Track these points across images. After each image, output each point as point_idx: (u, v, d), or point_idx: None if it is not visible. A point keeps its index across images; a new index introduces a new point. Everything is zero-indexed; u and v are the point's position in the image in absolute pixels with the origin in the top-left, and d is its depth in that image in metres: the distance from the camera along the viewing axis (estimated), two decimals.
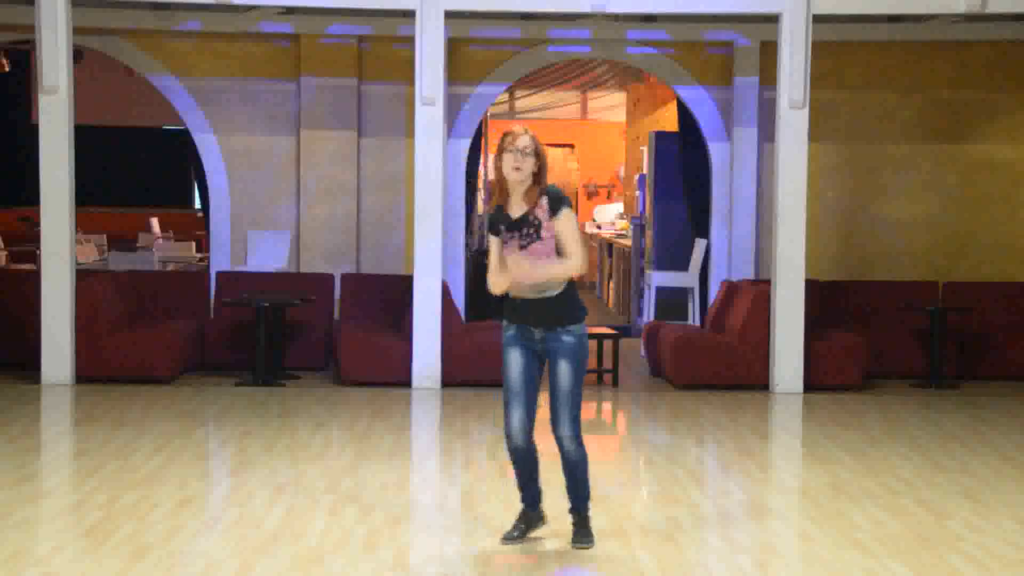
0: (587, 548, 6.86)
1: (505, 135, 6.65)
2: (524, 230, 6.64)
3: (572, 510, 6.95)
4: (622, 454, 10.28)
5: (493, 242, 6.78)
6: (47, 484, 8.41)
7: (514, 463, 6.89)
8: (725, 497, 8.42)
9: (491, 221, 6.77)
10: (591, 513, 6.98)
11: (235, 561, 6.61)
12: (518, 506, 7.04)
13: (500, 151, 6.64)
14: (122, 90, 21.63)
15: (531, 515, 7.00)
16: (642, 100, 21.04)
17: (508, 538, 6.95)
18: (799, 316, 12.39)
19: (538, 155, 6.62)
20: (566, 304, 6.76)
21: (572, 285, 6.83)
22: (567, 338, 6.75)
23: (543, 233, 6.64)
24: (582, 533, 6.92)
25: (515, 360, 6.77)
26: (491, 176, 6.80)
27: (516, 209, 6.67)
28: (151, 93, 15.60)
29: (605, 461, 9.83)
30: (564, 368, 6.75)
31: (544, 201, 6.65)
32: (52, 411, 11.21)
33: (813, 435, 10.69)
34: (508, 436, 6.81)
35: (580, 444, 6.85)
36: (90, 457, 9.07)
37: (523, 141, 6.59)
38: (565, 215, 6.64)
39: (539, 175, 6.63)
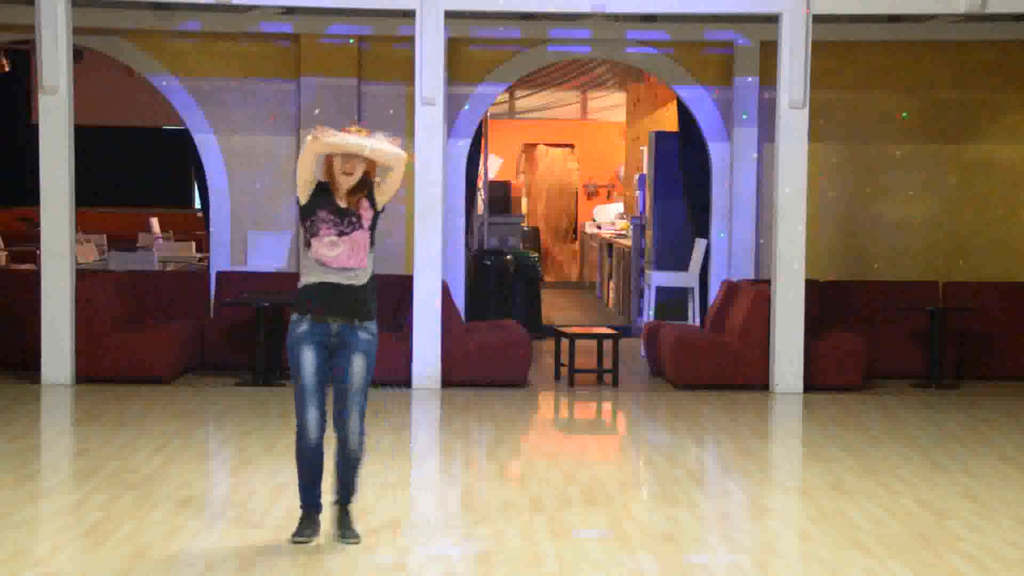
0: (358, 543, 6.90)
1: (342, 132, 6.79)
2: (347, 219, 6.80)
3: (341, 503, 7.00)
4: (622, 454, 10.28)
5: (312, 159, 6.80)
6: (47, 484, 8.41)
7: (306, 462, 6.91)
8: (725, 497, 8.42)
9: (320, 187, 6.83)
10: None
11: (235, 561, 6.61)
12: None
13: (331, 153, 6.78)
14: (122, 90, 21.60)
15: (317, 517, 7.01)
16: (642, 100, 21.04)
17: (300, 539, 6.93)
18: (799, 316, 12.39)
19: (370, 163, 6.81)
20: (368, 295, 6.88)
21: (373, 276, 6.95)
22: (363, 335, 6.88)
23: (364, 223, 6.84)
24: (351, 528, 6.98)
25: (309, 359, 6.83)
26: (300, 164, 6.87)
27: (342, 200, 6.82)
28: (151, 93, 15.59)
29: (605, 461, 9.83)
30: (359, 364, 6.86)
31: (366, 202, 6.87)
32: (52, 411, 11.21)
33: (813, 435, 10.69)
34: (303, 435, 6.86)
35: (363, 440, 6.98)
36: (90, 457, 9.07)
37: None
38: (384, 186, 6.90)
39: (367, 176, 6.82)
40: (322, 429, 6.90)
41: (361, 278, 6.87)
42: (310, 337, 6.84)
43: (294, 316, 6.89)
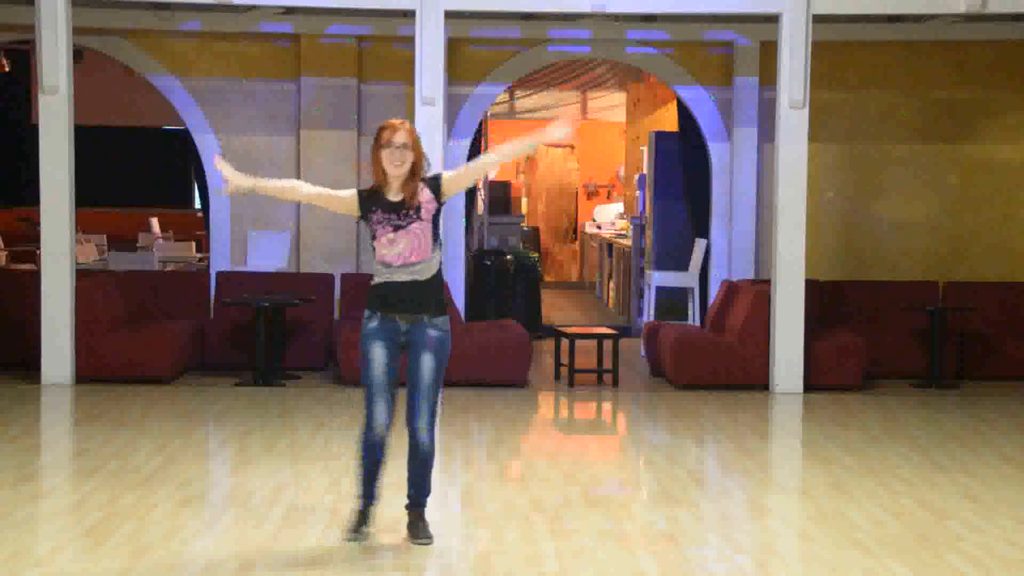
0: (430, 544, 6.88)
1: (383, 129, 6.77)
2: (403, 211, 6.73)
3: (415, 506, 6.99)
4: (622, 454, 10.28)
5: (347, 193, 6.86)
6: (47, 484, 8.41)
7: (369, 455, 6.86)
8: (725, 497, 8.42)
9: (366, 197, 6.80)
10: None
11: (235, 561, 6.61)
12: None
13: (378, 144, 6.75)
14: (122, 90, 21.61)
15: (372, 511, 7.00)
16: (642, 100, 21.04)
17: (355, 535, 6.93)
18: (799, 316, 12.39)
19: (416, 146, 6.76)
20: (436, 291, 6.81)
21: (440, 271, 6.89)
22: (432, 331, 6.80)
23: (423, 214, 6.75)
24: (425, 529, 6.96)
25: (378, 355, 6.77)
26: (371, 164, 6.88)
27: (394, 195, 6.77)
28: (151, 93, 15.59)
29: (605, 461, 9.83)
30: (428, 361, 6.79)
31: (426, 190, 6.78)
32: (52, 411, 11.21)
33: (813, 435, 10.69)
34: (370, 428, 6.80)
35: (434, 437, 6.93)
36: (90, 457, 9.07)
37: (400, 137, 6.73)
38: (447, 176, 6.84)
39: (416, 167, 6.76)
40: (389, 424, 6.82)
41: (425, 272, 6.76)
42: (379, 333, 6.78)
43: (366, 312, 6.85)
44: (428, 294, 6.77)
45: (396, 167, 6.72)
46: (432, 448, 6.93)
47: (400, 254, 6.73)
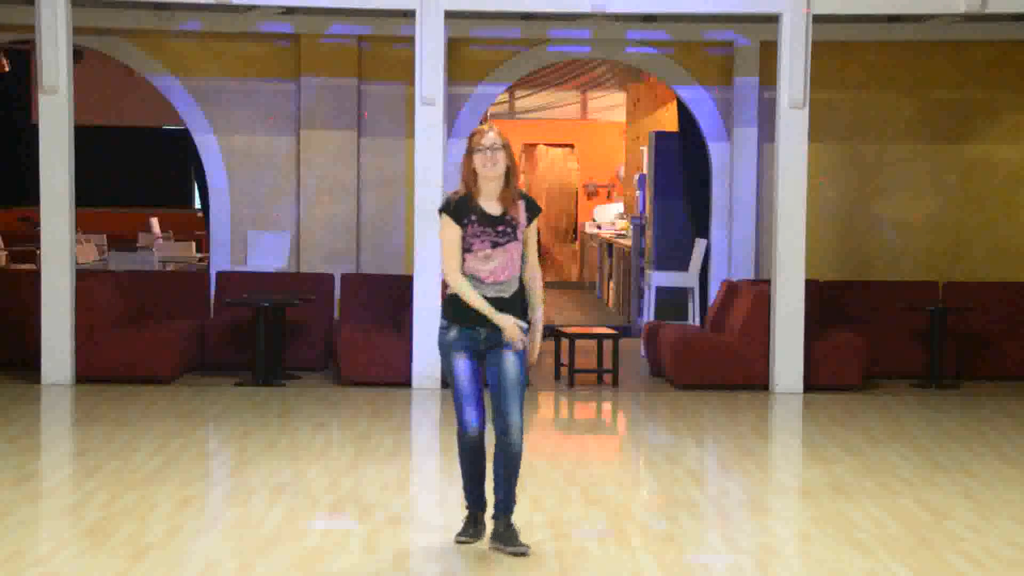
0: (526, 554, 6.72)
1: (473, 134, 6.66)
2: (502, 228, 6.63)
3: (504, 512, 6.78)
4: (622, 454, 10.28)
5: (450, 227, 6.65)
6: (47, 484, 8.41)
7: (468, 460, 6.79)
8: (725, 497, 8.42)
9: (457, 206, 6.65)
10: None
11: (235, 561, 6.62)
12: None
13: (470, 151, 6.62)
14: (122, 90, 21.63)
15: (480, 518, 6.92)
16: (642, 100, 21.04)
17: (464, 538, 6.87)
18: (799, 316, 12.39)
19: (507, 149, 6.65)
20: (517, 304, 6.74)
21: (522, 285, 6.80)
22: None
23: (519, 234, 6.66)
24: (516, 537, 6.77)
25: (462, 364, 6.72)
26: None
27: (491, 206, 6.64)
28: (151, 93, 15.60)
29: (605, 461, 9.83)
30: (512, 359, 6.71)
31: (521, 204, 6.69)
32: (52, 411, 11.21)
33: (813, 435, 10.69)
34: (465, 432, 6.72)
35: (522, 439, 6.78)
36: (90, 457, 9.07)
37: (490, 138, 6.60)
38: (535, 225, 6.79)
39: (511, 171, 6.66)
40: (483, 426, 6.75)
41: (509, 289, 6.69)
42: (460, 343, 6.71)
43: (443, 321, 6.77)
44: (510, 309, 6.68)
45: (490, 168, 6.56)
46: (521, 450, 6.76)
47: (492, 271, 6.63)
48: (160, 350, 12.28)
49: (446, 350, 6.76)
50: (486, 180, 6.63)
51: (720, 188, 15.26)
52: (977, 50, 15.20)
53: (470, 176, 6.64)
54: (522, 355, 6.76)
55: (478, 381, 6.76)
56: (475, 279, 6.65)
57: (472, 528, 6.92)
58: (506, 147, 6.66)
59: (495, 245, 6.62)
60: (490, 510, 6.92)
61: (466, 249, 6.64)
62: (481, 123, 15.53)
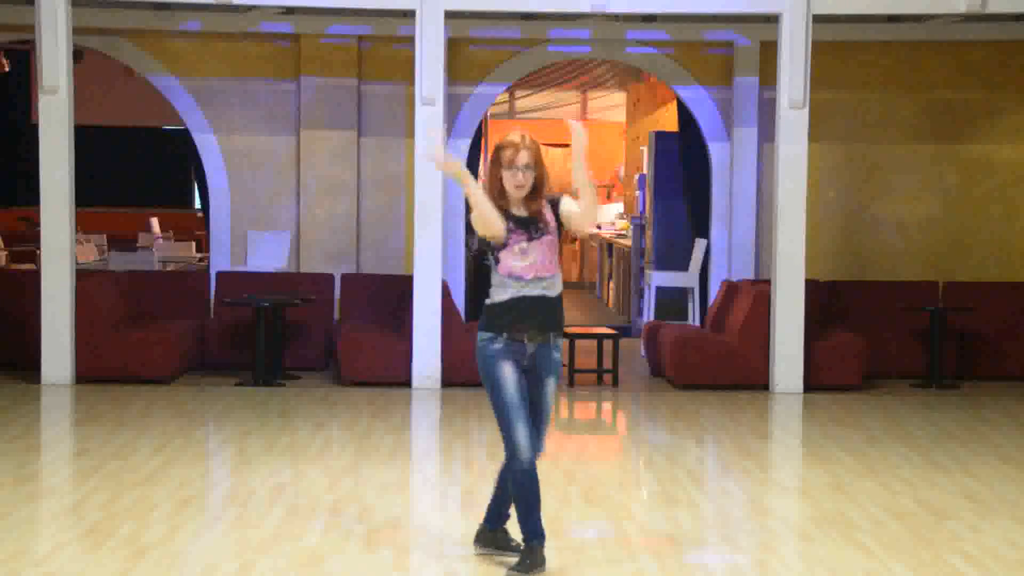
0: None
1: (504, 148, 6.39)
2: (532, 226, 6.43)
3: (536, 540, 6.44)
4: (622, 454, 10.28)
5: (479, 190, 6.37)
6: (47, 484, 8.42)
7: (524, 486, 6.36)
8: (725, 497, 8.42)
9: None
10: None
11: (235, 561, 6.61)
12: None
13: (498, 164, 6.41)
14: (122, 90, 21.62)
15: (543, 551, 6.49)
16: (642, 100, 21.04)
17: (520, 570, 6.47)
18: (799, 316, 12.39)
19: (538, 165, 6.43)
20: (561, 309, 6.52)
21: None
22: (556, 354, 6.49)
23: (550, 228, 6.47)
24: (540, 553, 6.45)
25: (510, 374, 6.36)
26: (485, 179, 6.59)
27: (518, 210, 6.48)
28: (151, 93, 15.59)
29: (605, 461, 9.83)
30: (551, 386, 6.48)
31: (547, 207, 6.51)
32: (52, 411, 11.21)
33: (813, 435, 10.69)
34: (517, 454, 6.32)
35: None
36: (90, 457, 9.07)
37: (523, 158, 6.38)
38: (564, 206, 6.50)
39: (540, 183, 6.46)
40: (534, 448, 6.36)
41: (554, 288, 6.42)
42: (506, 354, 6.38)
43: (486, 334, 6.43)
44: (557, 312, 6.45)
45: (518, 188, 6.38)
46: (536, 473, 6.46)
47: (532, 265, 6.36)
48: (160, 350, 12.28)
49: (492, 361, 6.40)
50: (515, 194, 6.43)
51: (720, 188, 15.26)
52: (977, 50, 15.20)
53: (497, 190, 6.43)
54: (558, 380, 6.51)
55: (525, 393, 6.40)
56: (517, 280, 6.40)
57: (531, 559, 6.41)
58: (538, 163, 6.42)
59: (531, 239, 6.40)
60: (482, 514, 6.85)
61: (502, 247, 6.43)
62: (482, 121, 15.53)
